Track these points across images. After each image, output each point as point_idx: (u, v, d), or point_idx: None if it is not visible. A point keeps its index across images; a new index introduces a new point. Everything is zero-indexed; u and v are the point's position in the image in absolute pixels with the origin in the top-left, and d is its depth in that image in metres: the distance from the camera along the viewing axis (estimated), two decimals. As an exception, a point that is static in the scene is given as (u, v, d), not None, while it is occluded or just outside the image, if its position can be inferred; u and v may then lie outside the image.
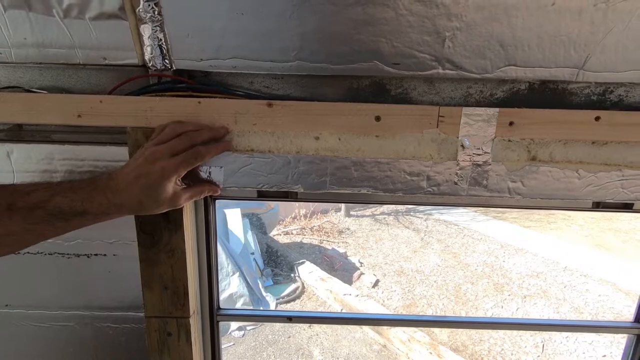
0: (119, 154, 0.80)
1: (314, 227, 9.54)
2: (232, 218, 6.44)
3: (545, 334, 5.77)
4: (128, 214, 0.68)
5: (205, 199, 0.88)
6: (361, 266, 7.82)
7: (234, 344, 5.23)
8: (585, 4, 0.69)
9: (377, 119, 0.75)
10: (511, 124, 0.75)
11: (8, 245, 0.62)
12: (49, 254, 0.89)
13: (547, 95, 0.83)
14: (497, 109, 0.74)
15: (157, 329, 0.86)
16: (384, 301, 6.55)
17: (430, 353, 4.87)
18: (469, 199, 0.82)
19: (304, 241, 8.93)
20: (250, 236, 6.70)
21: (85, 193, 0.63)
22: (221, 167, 0.77)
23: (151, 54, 0.75)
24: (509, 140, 0.76)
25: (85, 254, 0.86)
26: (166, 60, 0.76)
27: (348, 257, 8.07)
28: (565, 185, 0.78)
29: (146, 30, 0.73)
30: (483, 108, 0.74)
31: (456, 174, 0.77)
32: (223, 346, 5.12)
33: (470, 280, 7.53)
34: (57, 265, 0.89)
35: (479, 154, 0.76)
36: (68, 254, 0.88)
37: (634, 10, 0.69)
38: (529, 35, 0.72)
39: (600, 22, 0.71)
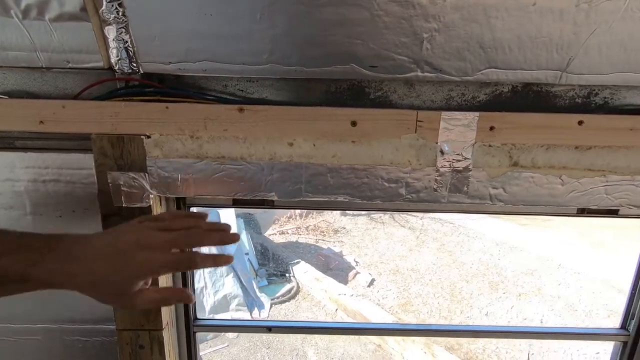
0: (85, 161, 0.76)
1: (310, 227, 9.52)
2: (227, 218, 6.40)
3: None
4: (74, 289, 0.55)
5: (179, 207, 0.85)
6: (357, 265, 7.80)
7: (228, 345, 5.20)
8: (567, 4, 0.66)
9: (353, 124, 0.72)
10: (492, 128, 0.72)
11: None
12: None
13: (531, 98, 0.81)
14: (477, 113, 0.71)
15: (128, 342, 0.83)
16: (379, 300, 6.54)
17: (425, 352, 4.86)
18: (449, 205, 0.79)
19: (300, 240, 8.91)
20: (244, 236, 6.66)
21: (34, 255, 0.52)
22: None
23: (117, 56, 0.72)
24: (490, 146, 0.73)
25: (52, 266, 0.83)
26: (133, 64, 0.73)
27: (344, 256, 8.06)
28: (548, 192, 0.76)
29: (111, 32, 0.70)
30: (463, 112, 0.72)
31: (436, 180, 0.75)
32: (217, 348, 5.09)
33: (466, 279, 7.54)
34: (25, 277, 0.85)
35: (459, 160, 0.73)
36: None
37: (617, 11, 0.67)
38: (509, 37, 0.69)
39: (582, 23, 0.68)
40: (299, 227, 9.48)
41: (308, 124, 0.72)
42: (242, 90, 0.79)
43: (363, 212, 10.66)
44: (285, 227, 9.44)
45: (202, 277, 5.46)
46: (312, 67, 0.73)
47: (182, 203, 0.84)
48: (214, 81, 0.79)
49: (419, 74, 0.73)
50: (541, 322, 6.19)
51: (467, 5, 0.67)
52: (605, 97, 0.80)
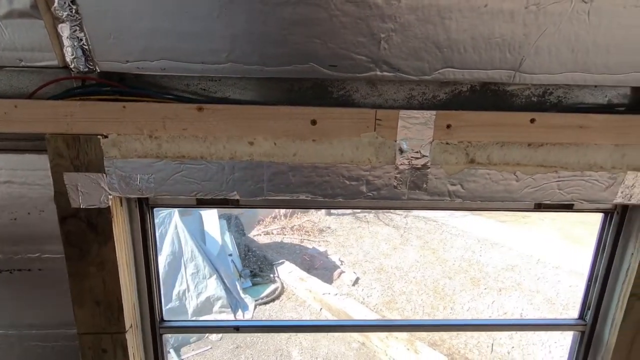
0: (40, 162, 0.74)
1: (295, 227, 9.50)
2: (209, 219, 6.33)
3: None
4: None
5: (141, 207, 0.84)
6: (341, 264, 7.84)
7: (211, 348, 5.14)
8: (517, 6, 0.69)
9: (313, 122, 0.73)
10: (449, 126, 0.74)
11: None
12: (-29, 269, 0.83)
13: (489, 96, 0.83)
14: (434, 112, 0.73)
15: (90, 346, 0.81)
16: (363, 299, 6.58)
17: (408, 349, 4.92)
18: (410, 202, 0.81)
19: (285, 241, 8.89)
20: (227, 237, 6.60)
21: None
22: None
23: (72, 55, 0.70)
24: (447, 143, 0.75)
25: (8, 270, 0.81)
26: (90, 62, 0.71)
27: (328, 256, 8.08)
28: (504, 188, 0.78)
29: (65, 30, 0.69)
30: (420, 111, 0.73)
31: (395, 177, 0.76)
32: (200, 351, 5.03)
33: (448, 275, 7.67)
34: (-20, 282, 0.83)
35: (417, 158, 0.75)
36: (-8, 270, 0.83)
37: (563, 13, 0.69)
38: (463, 37, 0.71)
39: (532, 24, 0.70)
40: (284, 227, 9.45)
41: (268, 123, 0.72)
42: (204, 89, 0.79)
43: (348, 211, 10.71)
44: (270, 228, 9.40)
45: (185, 280, 5.39)
46: (273, 66, 0.73)
47: (144, 203, 0.83)
48: (176, 80, 0.78)
49: (378, 73, 0.74)
50: (521, 315, 6.35)
51: (421, 6, 0.68)
52: (559, 96, 0.83)
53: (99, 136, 0.71)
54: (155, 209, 0.87)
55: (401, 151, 0.75)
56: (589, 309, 0.98)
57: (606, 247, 0.93)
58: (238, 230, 7.85)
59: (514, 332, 6.07)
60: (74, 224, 0.74)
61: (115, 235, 0.76)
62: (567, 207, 0.87)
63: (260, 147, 0.74)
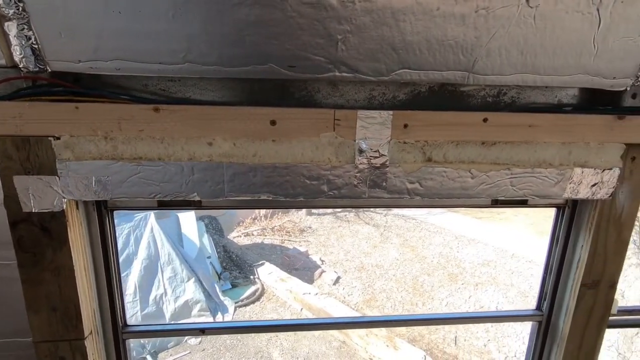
0: (-13, 165, 0.72)
1: (275, 227, 9.46)
2: (187, 222, 6.22)
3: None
4: None
5: (100, 211, 0.82)
6: (322, 264, 7.86)
7: (189, 352, 5.05)
8: (467, 10, 0.71)
9: (273, 123, 0.73)
10: (406, 126, 0.76)
11: None
12: None
13: (447, 97, 0.86)
14: (391, 112, 0.75)
15: (47, 354, 0.79)
16: (344, 297, 6.62)
17: (387, 346, 4.99)
18: (372, 201, 0.82)
19: (265, 242, 8.84)
20: (206, 239, 6.50)
21: None
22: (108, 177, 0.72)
23: (21, 54, 0.68)
24: (405, 143, 0.77)
25: (-45, 278, 0.78)
26: (40, 62, 0.69)
27: (309, 256, 8.08)
28: (460, 185, 0.81)
29: (12, 28, 0.66)
30: (377, 111, 0.75)
31: (355, 177, 0.77)
32: (178, 356, 4.93)
33: (427, 272, 7.82)
34: None
35: (376, 157, 0.76)
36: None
37: (511, 17, 0.72)
38: (418, 39, 0.73)
39: (482, 27, 0.73)
40: (264, 229, 9.39)
41: (227, 124, 0.72)
42: (163, 90, 0.78)
43: (329, 211, 10.75)
44: (250, 229, 9.32)
45: (162, 284, 5.27)
46: (231, 66, 0.73)
47: (102, 206, 0.81)
48: (134, 80, 0.77)
49: (337, 74, 0.75)
50: (496, 308, 6.54)
51: (376, 8, 0.70)
52: (512, 96, 0.87)
53: (50, 138, 0.69)
54: (117, 212, 0.85)
55: (360, 151, 0.76)
56: (545, 299, 1.02)
57: (559, 240, 0.97)
58: (217, 232, 7.74)
59: (489, 326, 6.25)
60: (26, 229, 0.72)
61: (71, 240, 0.74)
62: (522, 203, 0.91)
63: (219, 148, 0.73)
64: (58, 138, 0.70)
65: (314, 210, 10.48)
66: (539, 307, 1.04)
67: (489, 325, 6.11)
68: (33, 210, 0.72)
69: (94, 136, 0.70)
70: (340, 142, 0.75)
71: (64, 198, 0.72)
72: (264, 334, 5.53)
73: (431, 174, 0.79)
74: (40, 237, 0.72)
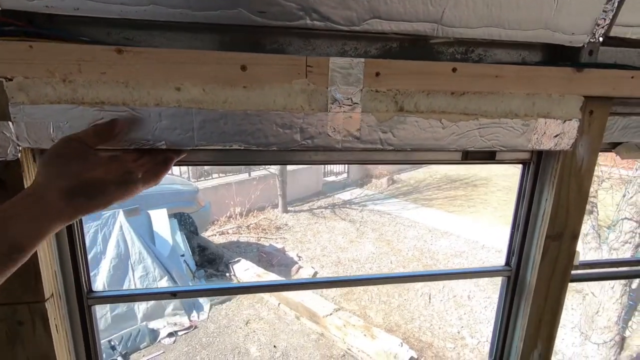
0: None
1: (251, 225, 9.35)
2: (158, 219, 6.02)
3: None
4: (51, 210, 0.57)
5: (60, 165, 0.77)
6: (299, 260, 7.84)
7: (164, 352, 4.90)
8: (435, -43, 0.73)
9: (243, 68, 0.71)
10: (377, 74, 0.76)
11: None
12: None
13: (417, 53, 0.87)
14: (363, 59, 0.75)
15: (4, 318, 0.74)
16: (322, 291, 6.63)
17: (365, 335, 5.04)
18: (345, 155, 0.82)
19: (241, 240, 8.72)
20: (179, 237, 6.32)
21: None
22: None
23: (-33, -11, 0.63)
24: (377, 91, 0.78)
25: None
26: (-11, -1, 0.64)
27: (286, 252, 8.04)
28: (431, 135, 0.82)
29: (-45, -41, 0.61)
30: (349, 58, 0.75)
31: (328, 125, 0.77)
32: (151, 356, 4.77)
33: (403, 264, 7.97)
34: None
35: (349, 105, 0.76)
36: None
37: (477, -34, 0.74)
38: (388, -13, 0.74)
39: (450, -24, 0.75)
40: (240, 226, 9.26)
41: (196, 68, 0.70)
42: (128, 39, 0.75)
43: (305, 207, 10.72)
44: (225, 227, 9.16)
45: (133, 283, 5.08)
46: (199, 10, 0.70)
47: (62, 160, 0.77)
48: (95, 26, 0.73)
49: (308, 22, 0.75)
50: (468, 297, 6.76)
51: (346, -48, 0.70)
52: (480, 54, 0.90)
53: (2, 79, 0.65)
54: (77, 169, 0.80)
55: (333, 99, 0.76)
56: (513, 255, 1.06)
57: (525, 196, 1.01)
58: (191, 229, 7.55)
59: (462, 314, 6.42)
60: (-24, 180, 0.67)
61: (28, 192, 0.69)
62: (491, 157, 0.94)
63: (188, 94, 0.71)
64: (10, 79, 0.65)
65: (290, 207, 10.44)
66: (507, 262, 1.07)
67: (462, 312, 6.30)
68: (-16, 159, 0.67)
69: (51, 78, 0.66)
70: (313, 89, 0.75)
71: (19, 146, 0.67)
72: (241, 331, 5.44)
73: (403, 124, 0.80)
74: (-7, 188, 0.67)
